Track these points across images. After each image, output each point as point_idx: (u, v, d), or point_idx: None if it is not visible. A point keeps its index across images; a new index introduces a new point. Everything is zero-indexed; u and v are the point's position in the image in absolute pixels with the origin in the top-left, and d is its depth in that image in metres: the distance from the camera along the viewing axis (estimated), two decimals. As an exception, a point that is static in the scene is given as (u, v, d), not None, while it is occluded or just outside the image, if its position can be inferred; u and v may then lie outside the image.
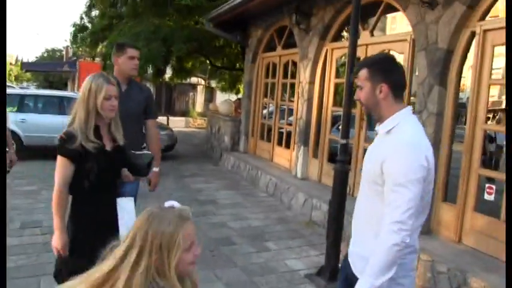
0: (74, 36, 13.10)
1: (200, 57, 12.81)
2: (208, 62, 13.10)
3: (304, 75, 6.91)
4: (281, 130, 8.14)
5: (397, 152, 1.72)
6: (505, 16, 3.38)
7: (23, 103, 9.20)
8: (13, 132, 7.85)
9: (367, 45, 5.50)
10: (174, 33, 9.53)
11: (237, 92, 14.90)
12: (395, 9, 5.31)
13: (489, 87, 3.96)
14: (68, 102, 9.44)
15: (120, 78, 3.15)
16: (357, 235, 1.98)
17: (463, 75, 4.38)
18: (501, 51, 3.46)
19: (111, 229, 2.18)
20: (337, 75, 6.61)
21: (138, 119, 3.31)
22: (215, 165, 9.69)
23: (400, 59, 5.09)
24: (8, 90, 10.39)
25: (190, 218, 1.37)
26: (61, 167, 2.24)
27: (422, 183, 1.70)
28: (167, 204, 1.41)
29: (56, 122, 8.95)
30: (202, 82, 23.86)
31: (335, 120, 6.82)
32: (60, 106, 9.29)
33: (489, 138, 8.34)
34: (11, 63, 60.34)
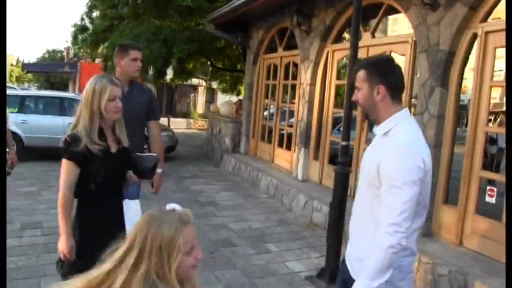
0: (75, 37, 13.10)
1: (201, 59, 12.80)
2: (209, 63, 13.09)
3: (305, 76, 6.90)
4: (282, 132, 8.13)
5: (394, 154, 1.72)
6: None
7: (23, 104, 9.20)
8: (14, 133, 7.84)
9: (368, 46, 5.49)
10: (175, 35, 9.52)
11: (238, 94, 14.89)
12: (396, 11, 5.30)
13: (491, 89, 3.95)
14: (69, 103, 9.47)
15: (122, 80, 3.14)
16: (354, 237, 1.97)
17: (464, 77, 4.37)
18: (503, 53, 3.44)
19: (118, 232, 2.15)
20: (338, 77, 6.60)
21: (140, 120, 3.30)
22: (216, 166, 9.68)
23: (402, 60, 5.08)
24: (9, 91, 10.41)
25: (191, 221, 1.35)
26: (66, 170, 2.21)
27: (419, 185, 1.69)
28: (168, 207, 1.40)
29: (56, 123, 8.98)
30: (204, 83, 23.87)
31: (336, 121, 6.81)
32: (61, 107, 9.31)
33: (490, 141, 8.32)
34: (12, 64, 60.45)
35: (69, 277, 2.16)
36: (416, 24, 4.59)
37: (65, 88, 32.60)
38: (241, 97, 13.48)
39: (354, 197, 2.01)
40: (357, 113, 5.56)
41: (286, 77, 8.10)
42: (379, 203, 1.73)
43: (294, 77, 7.77)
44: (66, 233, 2.20)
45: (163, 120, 12.92)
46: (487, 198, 3.93)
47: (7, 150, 4.05)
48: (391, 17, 8.90)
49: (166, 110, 21.60)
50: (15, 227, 4.75)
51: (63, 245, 2.20)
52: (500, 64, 4.41)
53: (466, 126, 4.14)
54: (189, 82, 18.58)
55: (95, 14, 12.89)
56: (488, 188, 3.96)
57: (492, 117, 11.28)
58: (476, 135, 4.00)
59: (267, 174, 7.31)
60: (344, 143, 3.89)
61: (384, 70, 1.84)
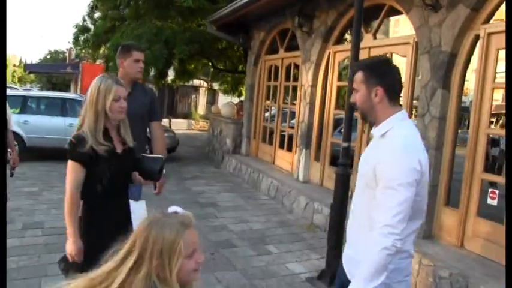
0: (76, 37, 13.12)
1: (202, 60, 12.81)
2: (210, 64, 13.10)
3: (306, 78, 6.89)
4: (283, 133, 8.12)
5: (390, 155, 1.71)
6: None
7: (25, 104, 9.22)
8: (16, 134, 7.87)
9: (369, 48, 5.48)
10: (176, 36, 9.53)
11: (239, 95, 14.90)
12: (398, 12, 5.29)
13: (493, 91, 3.93)
14: (71, 104, 9.50)
15: (125, 81, 3.12)
16: (351, 238, 1.97)
17: (466, 78, 4.36)
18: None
19: (124, 232, 2.14)
20: (340, 78, 6.59)
21: (143, 121, 3.28)
22: (217, 167, 9.68)
23: (403, 62, 5.07)
24: (11, 92, 10.42)
25: (193, 225, 1.35)
26: (72, 171, 2.18)
27: (416, 186, 1.69)
28: (170, 209, 1.39)
29: (58, 123, 9.01)
30: (205, 84, 23.87)
31: (337, 123, 6.80)
32: (63, 108, 9.34)
33: (492, 143, 8.31)
34: (14, 65, 60.58)
35: (72, 276, 2.17)
36: (418, 25, 4.58)
37: (66, 89, 32.67)
38: (242, 98, 13.48)
39: (354, 199, 2.00)
40: (358, 115, 5.54)
41: (287, 78, 8.10)
42: (375, 205, 1.73)
43: (295, 79, 7.77)
44: (74, 235, 2.17)
45: (164, 121, 12.92)
46: (489, 201, 3.91)
47: (9, 150, 4.04)
48: (392, 18, 8.87)
49: (168, 111, 21.61)
50: (16, 227, 4.76)
51: (71, 247, 2.18)
52: (503, 66, 4.39)
53: (468, 128, 4.12)
54: (190, 83, 18.57)
55: (97, 15, 12.92)
56: (490, 190, 3.94)
57: (494, 119, 11.26)
58: (478, 137, 3.99)
59: (267, 175, 7.30)
60: (345, 145, 3.88)
61: (381, 71, 1.84)
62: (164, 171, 3.31)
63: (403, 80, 5.21)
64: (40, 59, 51.75)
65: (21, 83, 53.13)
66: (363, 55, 5.18)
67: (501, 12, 4.08)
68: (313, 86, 6.77)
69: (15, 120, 7.82)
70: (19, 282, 3.52)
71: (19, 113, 8.83)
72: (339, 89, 6.61)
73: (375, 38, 5.62)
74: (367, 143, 5.43)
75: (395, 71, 1.87)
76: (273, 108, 8.87)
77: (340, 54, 6.36)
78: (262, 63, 8.96)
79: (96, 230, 2.21)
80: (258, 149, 9.01)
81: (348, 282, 1.84)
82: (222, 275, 3.89)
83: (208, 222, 5.41)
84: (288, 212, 6.21)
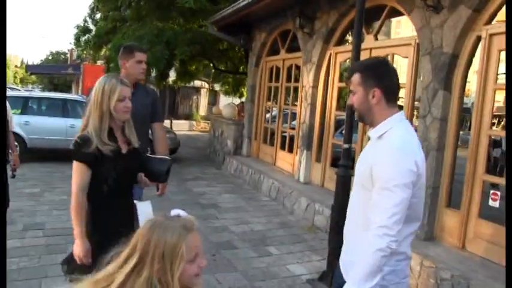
0: (77, 38, 13.13)
1: (204, 61, 12.81)
2: (211, 65, 13.10)
3: (307, 79, 6.89)
4: (284, 134, 8.12)
5: (387, 156, 1.71)
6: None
7: (26, 105, 9.23)
8: (17, 135, 7.87)
9: (371, 49, 5.48)
10: (177, 37, 9.53)
11: (241, 96, 14.87)
12: (399, 13, 5.29)
13: (494, 92, 3.92)
14: (72, 105, 9.51)
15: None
16: (348, 240, 1.96)
17: (468, 80, 4.35)
18: (507, 55, 3.42)
19: (130, 233, 2.12)
20: (341, 79, 6.58)
21: (145, 122, 3.28)
22: (218, 168, 9.68)
23: (405, 63, 5.06)
24: (12, 93, 10.43)
25: (196, 229, 1.32)
26: (78, 172, 2.16)
27: (412, 188, 1.68)
28: (173, 212, 1.37)
29: (59, 124, 9.02)
30: (206, 85, 23.86)
31: (338, 124, 6.79)
32: (64, 109, 9.36)
33: (494, 144, 8.29)
34: (16, 66, 60.72)
35: (76, 279, 2.16)
36: (419, 26, 4.57)
37: (68, 90, 32.71)
38: (243, 99, 13.48)
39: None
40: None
41: (288, 80, 8.09)
42: (371, 205, 1.72)
43: (297, 80, 7.76)
44: (81, 237, 2.15)
45: (165, 123, 12.91)
46: (491, 202, 3.90)
47: (10, 151, 4.04)
48: (394, 20, 8.89)
49: (169, 112, 21.61)
50: (17, 228, 4.76)
51: (79, 248, 2.15)
52: (505, 67, 4.39)
53: (470, 129, 4.11)
54: (191, 84, 18.54)
55: (98, 16, 12.94)
56: (491, 191, 3.93)
57: (496, 121, 11.25)
58: (479, 138, 3.98)
59: (268, 176, 7.29)
60: (346, 146, 3.88)
61: (378, 73, 1.83)
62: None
63: (404, 81, 5.24)
64: (42, 60, 51.87)
65: (23, 84, 53.26)
66: (364, 56, 5.17)
67: (503, 13, 4.06)
68: (315, 87, 6.77)
69: (16, 121, 7.83)
70: (20, 283, 3.51)
71: (20, 114, 8.84)
72: (340, 90, 6.60)
73: (376, 39, 5.62)
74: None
75: (393, 72, 1.87)
76: (274, 109, 8.86)
77: (341, 55, 6.35)
78: (264, 64, 8.96)
79: (101, 230, 2.19)
80: (259, 150, 9.01)
81: (345, 283, 1.84)
82: (223, 276, 3.88)
83: (209, 224, 5.41)
84: (289, 213, 6.20)
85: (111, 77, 2.27)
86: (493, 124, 4.50)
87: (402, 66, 6.00)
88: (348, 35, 6.93)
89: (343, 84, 6.42)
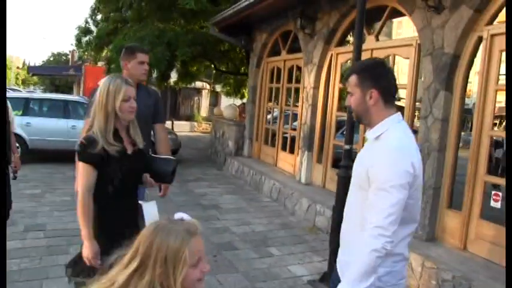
0: (78, 39, 13.15)
1: (205, 62, 12.82)
2: (213, 66, 13.11)
3: (308, 80, 6.89)
4: (285, 135, 8.11)
5: (384, 157, 1.71)
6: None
7: (28, 107, 9.24)
8: (18, 136, 7.88)
9: (372, 49, 5.47)
10: (178, 38, 9.54)
11: (242, 97, 14.89)
12: (401, 14, 5.29)
13: (496, 93, 3.91)
14: (73, 106, 9.52)
15: None
16: (344, 241, 1.95)
17: (469, 80, 4.34)
18: (508, 56, 3.41)
19: (135, 234, 2.11)
20: (342, 80, 6.58)
21: (147, 123, 3.27)
22: (219, 169, 9.68)
23: (406, 63, 5.06)
24: (14, 94, 10.45)
25: (199, 233, 1.31)
26: (84, 174, 2.14)
27: (408, 189, 1.68)
28: (176, 216, 1.35)
29: (60, 125, 9.03)
30: (207, 86, 23.90)
31: (339, 125, 6.79)
32: (65, 110, 9.37)
33: (495, 145, 8.28)
34: (18, 67, 60.85)
35: (80, 281, 2.15)
36: (420, 27, 4.57)
37: (69, 91, 32.75)
38: (244, 100, 13.48)
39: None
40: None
41: (289, 80, 8.09)
42: (368, 206, 1.72)
43: (298, 80, 7.76)
44: (89, 239, 2.13)
45: (167, 124, 12.93)
46: (492, 203, 3.89)
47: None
48: (395, 20, 8.90)
49: (170, 113, 21.63)
50: (18, 229, 4.75)
51: (87, 250, 2.13)
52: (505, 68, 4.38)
53: (471, 130, 4.10)
54: (192, 85, 18.58)
55: (99, 17, 12.95)
56: (493, 192, 3.92)
57: (497, 121, 11.22)
58: (481, 139, 3.97)
59: (270, 177, 7.29)
60: (347, 147, 3.87)
61: (375, 74, 1.83)
62: None
63: (405, 82, 5.23)
64: (43, 62, 51.95)
65: (24, 85, 53.36)
66: (365, 57, 5.17)
67: (504, 14, 4.06)
68: (316, 88, 6.76)
69: (17, 123, 7.85)
70: (20, 284, 3.51)
71: (21, 115, 8.85)
72: (341, 91, 6.59)
73: (377, 39, 5.61)
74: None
75: (390, 73, 1.87)
76: (275, 110, 8.86)
77: (342, 56, 6.35)
78: (265, 65, 8.96)
79: (107, 231, 2.17)
80: (260, 151, 9.00)
81: None
82: (224, 277, 3.88)
83: (211, 225, 5.40)
84: (290, 214, 6.19)
85: (115, 77, 2.25)
86: (495, 125, 4.49)
87: (403, 67, 6.00)
88: (349, 36, 6.93)
89: (344, 85, 6.42)
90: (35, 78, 47.74)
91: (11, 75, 48.41)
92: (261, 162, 8.70)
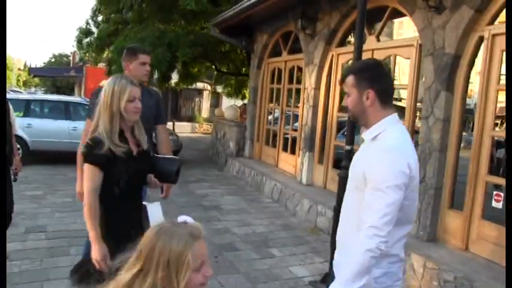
0: (79, 40, 13.17)
1: (206, 63, 12.83)
2: (213, 67, 13.12)
3: (309, 80, 6.88)
4: (286, 136, 8.11)
5: (380, 158, 1.71)
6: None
7: (29, 108, 9.25)
8: (19, 137, 7.89)
9: (373, 50, 5.46)
10: (179, 39, 9.54)
11: (243, 98, 14.89)
12: (402, 14, 5.28)
13: (497, 93, 3.90)
14: (74, 107, 9.53)
15: None
16: (341, 242, 1.95)
17: (470, 80, 4.33)
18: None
19: (141, 235, 2.09)
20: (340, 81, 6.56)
21: (149, 124, 3.27)
22: (220, 170, 9.67)
23: (407, 64, 5.05)
24: (15, 95, 10.46)
25: (203, 236, 1.29)
26: (90, 175, 2.11)
27: (404, 190, 1.68)
28: (180, 219, 1.34)
29: (62, 127, 9.03)
30: (208, 87, 23.91)
31: (340, 126, 6.78)
32: (66, 111, 9.37)
33: (497, 145, 8.25)
34: (19, 69, 60.97)
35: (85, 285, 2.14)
36: (421, 27, 4.56)
37: (71, 92, 32.79)
38: (245, 101, 13.48)
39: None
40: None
41: (290, 81, 8.09)
42: (364, 206, 1.72)
43: (299, 81, 7.76)
44: (98, 241, 2.09)
45: (168, 125, 12.95)
46: (494, 203, 3.88)
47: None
48: (396, 20, 8.89)
49: (171, 114, 21.64)
50: (19, 230, 4.75)
51: (96, 252, 2.10)
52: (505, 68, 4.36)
53: (472, 130, 4.10)
54: (194, 86, 18.59)
55: (100, 18, 12.96)
56: (494, 193, 3.91)
57: (499, 122, 11.19)
58: (482, 139, 3.96)
59: (271, 178, 7.28)
60: (348, 148, 3.86)
61: (372, 74, 1.83)
62: None
63: (406, 82, 5.21)
64: (44, 63, 52.04)
65: (26, 87, 53.48)
66: (366, 57, 5.16)
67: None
68: (317, 88, 6.76)
69: (18, 124, 7.85)
70: (21, 286, 3.51)
71: (22, 116, 8.86)
72: (342, 91, 6.58)
73: (378, 40, 5.60)
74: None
75: (387, 73, 1.87)
76: (276, 111, 8.86)
77: (343, 56, 6.34)
78: (266, 66, 8.96)
79: (114, 233, 2.14)
80: (261, 152, 9.00)
81: None
82: (225, 278, 3.87)
83: (212, 226, 5.39)
84: (291, 215, 6.19)
85: (120, 78, 2.23)
86: (496, 125, 4.48)
87: (404, 68, 5.99)
88: (350, 36, 6.93)
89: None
90: (36, 79, 47.84)
91: (12, 76, 48.50)
92: (262, 163, 8.69)
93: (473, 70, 4.29)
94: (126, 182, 2.17)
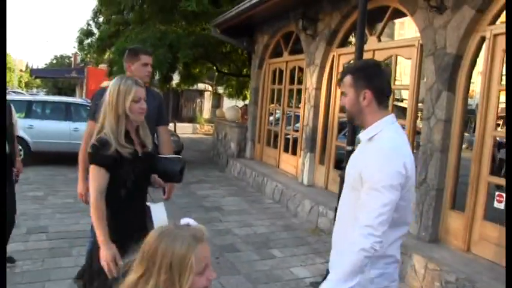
0: (80, 41, 13.19)
1: (207, 64, 12.83)
2: (215, 68, 13.12)
3: (310, 81, 6.88)
4: (287, 136, 8.10)
5: (376, 158, 1.71)
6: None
7: (30, 109, 9.27)
8: (21, 138, 7.90)
9: (374, 50, 5.46)
10: (180, 40, 9.54)
11: (244, 98, 14.88)
12: (403, 14, 5.27)
13: (499, 93, 3.90)
14: (75, 108, 9.54)
15: None
16: (336, 241, 1.95)
17: (472, 80, 4.32)
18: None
19: (145, 236, 2.08)
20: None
21: (151, 125, 3.26)
22: (221, 171, 9.67)
23: (408, 64, 5.04)
24: (16, 97, 10.48)
25: (206, 239, 1.28)
26: (96, 177, 2.09)
27: (400, 190, 1.68)
28: (183, 221, 1.33)
29: (63, 128, 9.05)
30: (210, 88, 23.92)
31: (342, 126, 6.77)
32: (68, 112, 9.39)
33: (499, 145, 8.23)
34: (21, 70, 61.11)
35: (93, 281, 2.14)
36: (422, 27, 4.55)
37: (72, 93, 32.87)
38: (247, 102, 13.48)
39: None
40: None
41: (291, 82, 8.09)
42: (360, 205, 1.72)
43: (300, 82, 7.75)
44: (107, 242, 2.06)
45: (169, 125, 12.95)
46: (496, 204, 3.86)
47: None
48: (397, 21, 8.88)
49: (173, 115, 21.65)
50: (20, 231, 4.75)
51: (105, 254, 2.06)
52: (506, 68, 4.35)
53: (474, 130, 4.09)
54: (195, 87, 18.61)
55: (101, 19, 12.98)
56: (496, 193, 3.89)
57: (501, 122, 11.14)
58: (484, 139, 3.95)
59: (272, 179, 7.27)
60: (349, 148, 3.86)
61: (369, 74, 1.82)
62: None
63: (408, 82, 5.19)
64: (46, 64, 52.18)
65: (27, 88, 53.60)
66: (367, 57, 5.16)
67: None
68: (318, 89, 6.75)
69: (20, 125, 7.86)
70: (23, 286, 3.51)
71: (24, 117, 8.87)
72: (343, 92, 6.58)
73: (379, 40, 5.60)
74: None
75: (384, 74, 1.86)
76: (277, 111, 8.85)
77: (344, 57, 6.33)
78: (267, 67, 8.96)
79: (121, 234, 2.10)
80: (262, 153, 8.99)
81: None
82: (226, 279, 3.87)
83: (213, 226, 5.39)
84: (292, 216, 6.18)
85: (125, 78, 2.21)
86: (498, 125, 4.47)
87: (406, 68, 5.98)
88: (351, 37, 6.92)
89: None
90: (38, 80, 47.97)
91: (14, 78, 48.60)
92: (263, 163, 8.68)
93: (474, 70, 4.28)
94: (133, 183, 2.16)
